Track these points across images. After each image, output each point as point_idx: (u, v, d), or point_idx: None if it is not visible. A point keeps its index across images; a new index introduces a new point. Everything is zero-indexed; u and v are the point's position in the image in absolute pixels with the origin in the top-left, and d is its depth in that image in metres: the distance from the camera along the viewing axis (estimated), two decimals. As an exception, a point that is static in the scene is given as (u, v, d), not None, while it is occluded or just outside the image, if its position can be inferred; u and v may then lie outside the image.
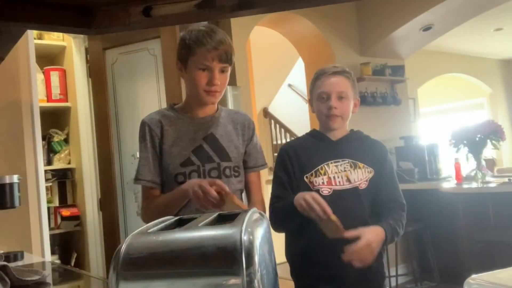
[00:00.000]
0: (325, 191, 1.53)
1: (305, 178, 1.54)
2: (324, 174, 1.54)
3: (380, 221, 1.50)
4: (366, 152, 1.61)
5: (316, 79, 1.61)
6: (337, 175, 1.54)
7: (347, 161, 1.56)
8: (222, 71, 1.40)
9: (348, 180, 1.54)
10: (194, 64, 1.38)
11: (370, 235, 1.41)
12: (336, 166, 1.55)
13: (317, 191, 1.51)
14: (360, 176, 1.55)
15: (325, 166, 1.55)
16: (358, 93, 1.65)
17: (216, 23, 3.25)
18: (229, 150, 1.46)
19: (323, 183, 1.53)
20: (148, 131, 1.44)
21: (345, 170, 1.55)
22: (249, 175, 1.53)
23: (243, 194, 1.56)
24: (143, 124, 1.47)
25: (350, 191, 1.53)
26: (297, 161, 1.57)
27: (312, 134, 1.67)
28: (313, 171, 1.54)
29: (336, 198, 1.50)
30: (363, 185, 1.55)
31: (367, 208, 1.55)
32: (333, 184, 1.53)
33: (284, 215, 1.52)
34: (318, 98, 1.58)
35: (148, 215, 1.45)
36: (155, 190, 1.44)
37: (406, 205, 1.59)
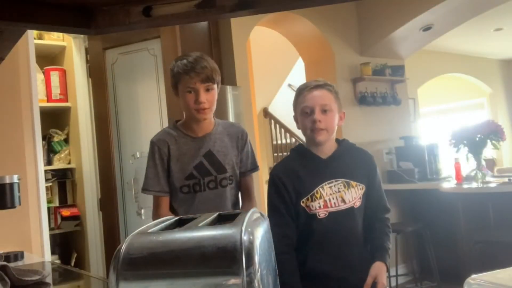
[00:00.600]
0: (322, 214, 1.55)
1: (301, 203, 1.55)
2: (320, 197, 1.55)
3: (376, 245, 1.60)
4: (357, 167, 1.63)
5: (298, 94, 1.63)
6: (332, 196, 1.56)
7: (341, 181, 1.58)
8: (207, 89, 1.60)
9: (343, 200, 1.56)
10: (183, 89, 1.61)
11: (382, 277, 1.53)
12: (330, 187, 1.57)
13: (315, 215, 1.54)
14: (353, 195, 1.58)
15: (320, 189, 1.56)
16: (342, 106, 1.66)
17: (216, 23, 3.26)
18: (224, 163, 1.68)
19: (319, 207, 1.55)
20: (157, 150, 1.66)
21: (339, 191, 1.57)
22: (241, 179, 1.74)
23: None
24: (153, 144, 1.68)
25: (346, 212, 1.56)
26: (292, 187, 1.56)
27: (300, 152, 1.66)
28: (309, 196, 1.55)
29: (332, 220, 1.54)
30: (358, 203, 1.58)
31: (360, 225, 1.60)
32: (329, 206, 1.55)
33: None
34: (302, 113, 1.59)
35: None
36: (164, 198, 1.67)
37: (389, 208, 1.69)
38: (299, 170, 1.59)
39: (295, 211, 1.56)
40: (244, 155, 1.74)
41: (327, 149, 1.61)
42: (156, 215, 1.66)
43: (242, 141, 1.74)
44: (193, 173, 1.64)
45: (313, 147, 1.62)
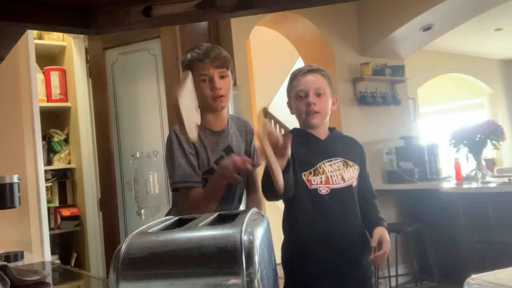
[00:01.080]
0: (323, 190, 1.56)
1: (303, 176, 1.56)
2: (322, 173, 1.58)
3: (373, 217, 1.65)
4: (351, 150, 1.68)
5: (292, 79, 1.66)
6: (333, 173, 1.59)
7: (340, 160, 1.62)
8: (222, 76, 1.54)
9: (343, 178, 1.60)
10: (196, 78, 1.50)
11: (386, 236, 1.57)
12: (330, 165, 1.60)
13: (315, 190, 1.55)
14: (351, 174, 1.62)
15: (322, 165, 1.59)
16: (335, 92, 1.69)
17: (216, 23, 3.25)
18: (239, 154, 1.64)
19: (321, 182, 1.57)
20: (184, 141, 1.53)
21: (339, 169, 1.60)
22: (247, 174, 1.65)
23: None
24: (177, 134, 1.54)
25: (345, 189, 1.59)
26: (296, 156, 1.57)
27: (298, 133, 1.68)
28: (311, 170, 1.57)
29: (334, 197, 1.56)
30: (355, 183, 1.63)
31: (357, 203, 1.64)
32: (331, 183, 1.57)
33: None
34: (296, 97, 1.62)
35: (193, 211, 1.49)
36: (199, 189, 1.53)
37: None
38: (300, 146, 1.61)
39: (295, 183, 1.54)
40: (252, 149, 1.71)
41: (321, 132, 1.65)
42: (196, 208, 1.45)
43: (250, 135, 1.72)
44: (214, 167, 1.56)
45: (308, 129, 1.65)
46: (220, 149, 1.59)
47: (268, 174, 1.30)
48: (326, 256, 1.54)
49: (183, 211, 1.53)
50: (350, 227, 1.59)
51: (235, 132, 1.66)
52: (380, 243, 1.55)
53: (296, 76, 1.64)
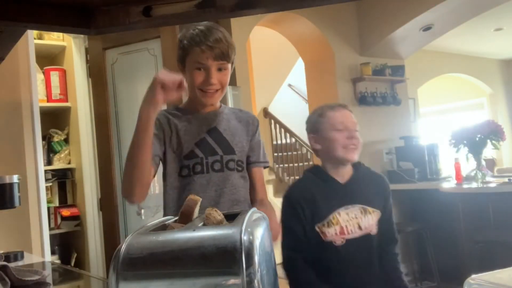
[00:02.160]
0: (338, 241, 1.48)
1: (316, 227, 1.49)
2: (336, 224, 1.48)
3: (390, 271, 1.58)
4: (373, 193, 1.58)
5: (322, 114, 1.58)
6: (349, 223, 1.49)
7: (357, 207, 1.52)
8: (220, 69, 1.37)
9: (359, 227, 1.50)
10: (191, 64, 1.37)
11: None
12: (347, 213, 1.50)
13: (330, 242, 1.48)
14: (370, 222, 1.52)
15: (336, 214, 1.49)
16: None
17: (216, 23, 3.25)
18: (232, 144, 1.43)
19: (335, 233, 1.48)
20: (156, 122, 1.34)
21: (356, 217, 1.50)
22: (252, 171, 1.48)
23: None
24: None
25: (363, 239, 1.50)
26: (308, 210, 1.50)
27: (316, 174, 1.59)
28: (324, 222, 1.48)
29: (350, 248, 1.48)
30: (374, 230, 1.53)
31: (376, 253, 1.54)
32: (346, 233, 1.48)
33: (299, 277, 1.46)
34: (333, 129, 1.52)
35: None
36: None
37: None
38: (315, 193, 1.52)
39: (310, 236, 1.49)
40: (256, 143, 1.50)
41: (345, 172, 1.56)
42: (128, 161, 1.31)
43: (254, 126, 1.51)
44: (194, 151, 1.39)
45: (332, 169, 1.56)
46: (203, 131, 1.42)
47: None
48: None
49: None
50: (366, 279, 1.50)
51: (229, 119, 1.48)
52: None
53: (326, 111, 1.57)
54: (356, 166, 1.60)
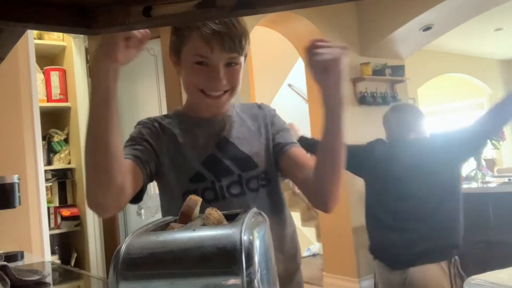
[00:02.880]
0: None
1: None
2: None
3: None
4: None
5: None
6: None
7: None
8: (230, 63, 1.02)
9: None
10: (188, 57, 1.02)
11: None
12: None
13: None
14: None
15: None
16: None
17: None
18: (251, 154, 1.08)
19: None
20: (146, 129, 1.07)
21: None
22: (287, 154, 1.10)
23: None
24: (138, 125, 1.10)
25: None
26: None
27: None
28: None
29: None
30: None
31: None
32: None
33: None
34: None
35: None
36: (129, 162, 0.99)
37: None
38: None
39: None
40: (280, 129, 1.14)
41: None
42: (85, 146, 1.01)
43: (271, 115, 1.17)
44: (202, 172, 1.03)
45: None
46: (211, 144, 1.06)
47: None
48: None
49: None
50: None
51: (242, 120, 1.13)
52: None
53: None
54: None
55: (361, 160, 2.26)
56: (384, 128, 2.41)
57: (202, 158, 1.05)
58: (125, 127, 3.05)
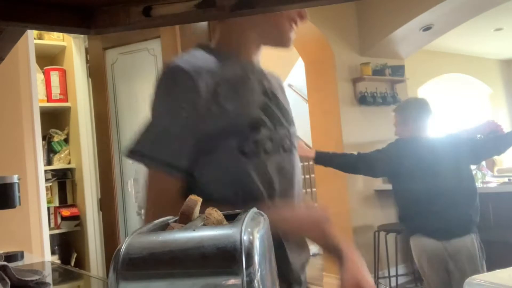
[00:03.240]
0: None
1: None
2: None
3: None
4: None
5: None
6: None
7: None
8: None
9: None
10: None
11: None
12: None
13: None
14: None
15: None
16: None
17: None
18: (289, 111, 1.05)
19: None
20: (191, 82, 0.85)
21: None
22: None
23: None
24: (179, 72, 0.85)
25: None
26: None
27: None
28: None
29: None
30: None
31: None
32: None
33: None
34: None
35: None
36: (169, 181, 0.85)
37: None
38: None
39: None
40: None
41: None
42: (156, 206, 0.86)
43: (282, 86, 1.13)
44: (262, 117, 0.91)
45: None
46: (260, 91, 0.97)
47: None
48: None
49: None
50: None
51: (272, 79, 1.07)
52: None
53: None
54: None
55: (384, 163, 2.61)
56: (400, 124, 2.65)
57: (258, 103, 0.94)
58: (125, 127, 3.05)
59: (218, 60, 0.93)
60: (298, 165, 1.00)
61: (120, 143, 2.77)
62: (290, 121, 1.02)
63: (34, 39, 2.42)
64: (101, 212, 3.02)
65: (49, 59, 3.35)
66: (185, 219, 0.71)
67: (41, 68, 3.08)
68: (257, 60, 1.04)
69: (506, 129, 2.78)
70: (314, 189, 5.70)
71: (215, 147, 0.86)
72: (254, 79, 0.98)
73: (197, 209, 0.70)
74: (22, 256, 1.79)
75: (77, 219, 3.17)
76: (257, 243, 0.57)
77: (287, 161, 0.95)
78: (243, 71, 0.97)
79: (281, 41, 1.03)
